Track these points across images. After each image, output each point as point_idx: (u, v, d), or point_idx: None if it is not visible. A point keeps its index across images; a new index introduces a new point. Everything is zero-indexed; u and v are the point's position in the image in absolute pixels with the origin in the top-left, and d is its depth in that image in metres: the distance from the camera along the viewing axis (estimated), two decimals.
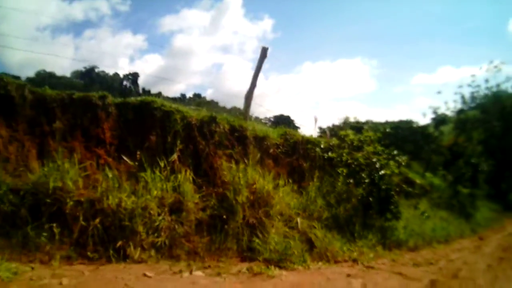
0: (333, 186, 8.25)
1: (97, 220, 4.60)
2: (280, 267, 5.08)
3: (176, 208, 5.43)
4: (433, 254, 7.58)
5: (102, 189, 4.88)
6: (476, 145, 28.40)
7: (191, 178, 5.87)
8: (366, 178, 8.62)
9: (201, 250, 5.29)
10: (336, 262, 5.87)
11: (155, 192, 5.27)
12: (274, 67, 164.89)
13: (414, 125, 39.03)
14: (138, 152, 5.75)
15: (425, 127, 37.27)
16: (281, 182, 7.00)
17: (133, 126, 6.09)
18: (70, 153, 5.39)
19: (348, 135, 9.15)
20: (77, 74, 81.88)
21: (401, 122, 41.49)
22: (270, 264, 5.11)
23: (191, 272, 4.53)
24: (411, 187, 11.28)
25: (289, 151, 8.32)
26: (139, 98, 6.40)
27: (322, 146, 8.89)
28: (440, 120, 36.78)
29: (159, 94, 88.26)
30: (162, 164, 5.72)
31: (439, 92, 58.13)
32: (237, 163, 6.73)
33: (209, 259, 5.20)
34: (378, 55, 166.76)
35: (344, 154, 8.82)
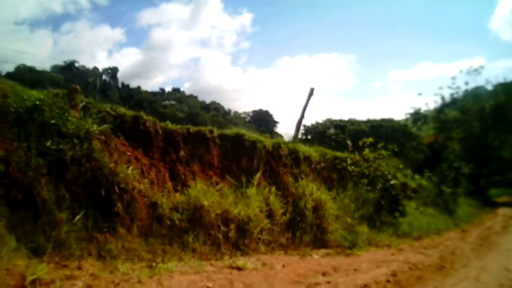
0: (357, 192, 10.74)
1: (232, 226, 6.82)
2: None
3: (269, 214, 7.73)
4: (433, 242, 10.25)
5: (227, 203, 7.09)
6: (456, 144, 30.90)
7: (274, 192, 8.18)
8: (380, 186, 11.21)
9: (287, 243, 7.66)
10: (377, 246, 8.47)
11: (257, 203, 7.54)
12: (253, 61, 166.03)
13: (395, 124, 42.13)
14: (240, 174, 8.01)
15: (406, 126, 40.53)
16: (326, 191, 9.45)
17: (231, 153, 8.32)
18: (192, 175, 7.58)
19: (367, 154, 11.68)
20: (57, 69, 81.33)
21: (382, 120, 44.91)
22: (345, 249, 7.62)
23: (311, 255, 6.94)
24: (406, 189, 13.99)
25: (324, 166, 10.76)
26: (233, 132, 8.60)
27: (348, 162, 11.38)
28: (419, 119, 39.93)
29: (138, 88, 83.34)
30: (255, 182, 8.01)
31: (420, 94, 61.50)
32: (295, 177, 9.14)
33: (292, 249, 7.56)
34: (356, 50, 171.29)
35: (364, 168, 11.36)
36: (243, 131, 8.80)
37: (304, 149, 10.29)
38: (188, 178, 7.46)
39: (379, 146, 11.98)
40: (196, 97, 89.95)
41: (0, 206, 4.59)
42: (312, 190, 8.75)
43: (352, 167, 11.37)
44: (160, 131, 7.63)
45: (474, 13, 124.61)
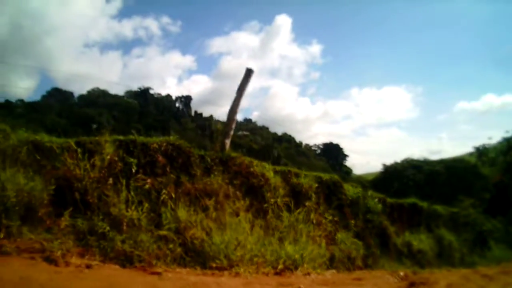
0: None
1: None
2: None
3: None
4: (508, 265, 17.40)
5: None
6: None
7: None
8: (477, 230, 18.84)
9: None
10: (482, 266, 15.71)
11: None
12: (321, 92, 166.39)
13: (466, 164, 47.81)
14: None
15: (475, 166, 46.29)
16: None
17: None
18: None
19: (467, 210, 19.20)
20: (131, 94, 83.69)
21: (454, 161, 50.40)
22: (470, 265, 15.09)
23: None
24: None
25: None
26: (411, 201, 16.64)
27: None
28: (483, 153, 45.32)
29: (210, 118, 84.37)
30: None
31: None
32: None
33: None
34: (423, 82, 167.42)
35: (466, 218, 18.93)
36: (416, 200, 16.63)
37: (438, 207, 18.18)
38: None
39: (472, 201, 19.52)
40: (267, 128, 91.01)
41: None
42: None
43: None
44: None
45: None
